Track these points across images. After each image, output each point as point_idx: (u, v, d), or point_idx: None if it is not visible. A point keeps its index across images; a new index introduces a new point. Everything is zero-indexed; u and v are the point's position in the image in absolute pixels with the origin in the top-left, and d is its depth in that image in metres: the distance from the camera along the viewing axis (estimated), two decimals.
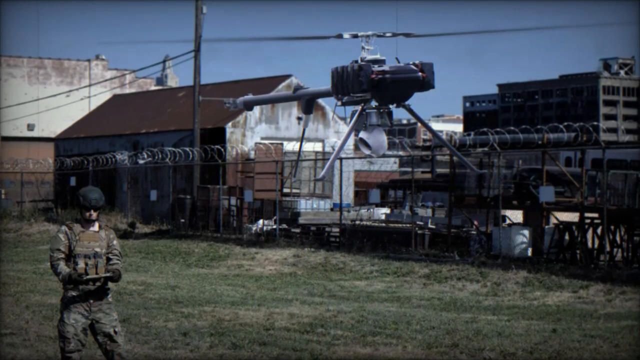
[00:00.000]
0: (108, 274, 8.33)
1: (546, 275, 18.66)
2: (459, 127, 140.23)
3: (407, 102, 17.52)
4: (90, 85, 52.51)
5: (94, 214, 8.36)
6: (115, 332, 8.40)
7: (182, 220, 31.82)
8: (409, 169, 35.19)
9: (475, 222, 24.18)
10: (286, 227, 28.68)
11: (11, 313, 14.28)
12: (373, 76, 16.57)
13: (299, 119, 35.00)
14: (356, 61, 17.18)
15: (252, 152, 34.78)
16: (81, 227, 8.36)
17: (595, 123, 22.20)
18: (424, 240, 23.79)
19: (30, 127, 53.18)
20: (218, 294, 17.66)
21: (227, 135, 35.67)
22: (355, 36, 17.47)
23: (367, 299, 17.30)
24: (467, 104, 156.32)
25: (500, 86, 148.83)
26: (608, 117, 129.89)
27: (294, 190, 34.24)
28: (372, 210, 30.80)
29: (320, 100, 31.54)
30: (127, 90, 54.53)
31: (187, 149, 32.39)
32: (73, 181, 38.67)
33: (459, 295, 18.10)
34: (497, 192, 22.33)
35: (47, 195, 44.54)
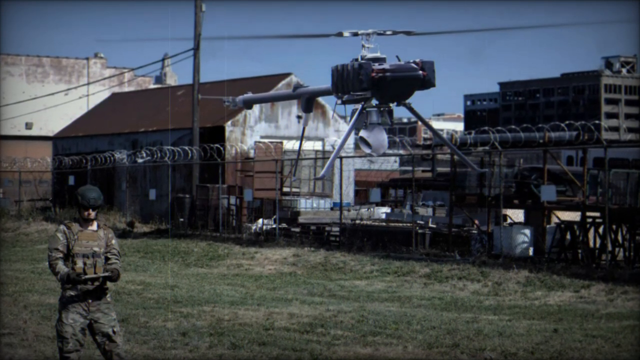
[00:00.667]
0: (107, 274, 8.29)
1: (547, 275, 18.61)
2: (459, 126, 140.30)
3: (407, 101, 17.44)
4: (88, 84, 52.45)
5: (93, 213, 8.33)
6: (114, 332, 8.36)
7: (181, 220, 31.75)
8: (410, 168, 35.12)
9: (476, 222, 24.11)
10: (286, 226, 28.62)
11: (9, 313, 14.23)
12: (373, 74, 16.49)
13: (299, 117, 34.97)
14: (356, 59, 17.10)
15: (252, 151, 34.71)
16: (80, 226, 8.33)
17: (597, 122, 22.17)
18: (424, 240, 23.73)
19: (29, 126, 53.13)
20: (217, 293, 17.60)
21: (227, 134, 35.60)
22: (356, 34, 17.39)
23: (368, 299, 17.25)
24: (468, 103, 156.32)
25: (502, 84, 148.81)
26: (610, 115, 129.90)
27: (294, 190, 34.16)
28: (372, 209, 30.73)
29: (321, 99, 31.47)
30: (126, 88, 54.48)
31: (187, 147, 32.31)
32: (71, 180, 38.60)
33: (460, 295, 18.05)
34: (498, 191, 22.28)
35: (45, 195, 44.48)
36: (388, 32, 17.33)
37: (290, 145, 32.65)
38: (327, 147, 35.63)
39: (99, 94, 51.43)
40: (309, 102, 19.59)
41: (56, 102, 49.04)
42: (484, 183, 23.08)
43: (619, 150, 25.94)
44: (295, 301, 16.62)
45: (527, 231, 21.85)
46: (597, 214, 21.06)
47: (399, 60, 16.92)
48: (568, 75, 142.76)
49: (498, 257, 20.84)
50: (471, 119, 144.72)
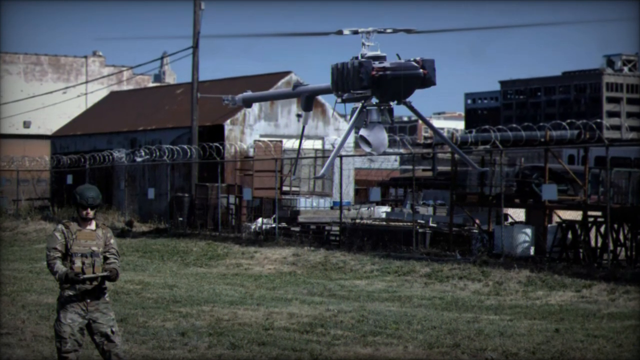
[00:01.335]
0: (105, 273, 8.24)
1: (549, 275, 18.55)
2: (460, 125, 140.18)
3: (408, 99, 17.37)
4: (87, 82, 52.36)
5: (91, 213, 8.28)
6: (113, 332, 8.32)
7: (180, 219, 31.67)
8: (410, 167, 35.07)
9: (477, 221, 24.03)
10: (286, 225, 28.54)
11: (7, 312, 14.15)
12: (374, 73, 16.43)
13: (299, 116, 34.89)
14: (356, 58, 17.03)
15: (251, 150, 34.63)
16: (78, 225, 8.28)
17: (598, 120, 22.05)
18: (425, 239, 23.66)
19: (27, 125, 53.03)
20: (216, 293, 17.53)
21: (226, 132, 35.52)
22: (356, 32, 17.31)
23: (368, 299, 17.19)
24: (469, 101, 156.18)
25: (503, 83, 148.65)
26: (611, 114, 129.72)
27: (294, 189, 34.09)
28: (372, 208, 30.64)
29: (320, 97, 31.39)
30: (125, 87, 54.39)
31: (185, 146, 32.22)
32: (70, 179, 38.53)
33: (461, 294, 17.98)
34: (499, 190, 22.21)
35: (43, 194, 44.39)
36: (388, 30, 17.26)
37: (289, 144, 32.55)
38: (327, 146, 35.56)
39: (98, 93, 51.36)
40: (308, 100, 19.53)
41: (54, 101, 48.93)
42: (485, 182, 23.00)
43: (620, 149, 25.86)
44: (295, 301, 16.55)
45: (528, 230, 21.78)
46: (599, 213, 20.99)
47: (399, 59, 16.85)
48: (569, 73, 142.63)
49: (499, 257, 20.76)
50: (472, 117, 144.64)
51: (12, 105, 48.87)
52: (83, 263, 8.16)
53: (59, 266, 8.14)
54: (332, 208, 31.72)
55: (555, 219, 22.32)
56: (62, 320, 8.20)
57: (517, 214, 25.00)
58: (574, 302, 16.59)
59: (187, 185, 34.06)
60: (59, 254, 8.17)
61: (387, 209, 31.49)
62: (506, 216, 23.61)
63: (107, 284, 8.37)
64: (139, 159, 35.91)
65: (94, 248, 8.23)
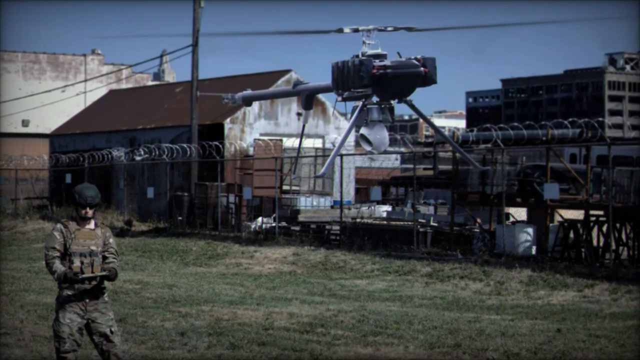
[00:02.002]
0: (104, 273, 8.20)
1: (550, 274, 18.49)
2: (461, 123, 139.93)
3: (409, 98, 17.28)
4: (86, 81, 52.28)
5: (90, 212, 8.25)
6: (112, 332, 8.28)
7: (180, 218, 31.59)
8: (411, 166, 34.99)
9: (478, 220, 23.95)
10: (286, 225, 28.45)
11: (5, 312, 14.09)
12: (374, 71, 16.34)
13: (299, 114, 34.82)
14: (357, 56, 16.94)
15: (251, 149, 34.55)
16: (77, 225, 8.24)
17: (600, 119, 22.01)
18: (426, 239, 23.59)
19: (25, 123, 52.96)
20: (216, 293, 17.46)
21: (226, 131, 35.43)
22: (356, 30, 17.23)
23: (368, 298, 17.13)
24: (470, 100, 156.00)
25: (504, 81, 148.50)
26: (613, 112, 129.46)
27: (294, 188, 34.00)
28: (373, 207, 30.57)
29: (321, 96, 31.30)
30: (124, 85, 54.30)
31: (185, 145, 32.13)
32: (69, 178, 38.45)
33: (462, 294, 17.91)
34: (501, 190, 22.15)
35: (42, 193, 44.33)
36: (389, 29, 17.18)
37: (290, 142, 32.46)
38: (327, 145, 35.47)
39: (97, 91, 51.27)
40: (309, 99, 19.43)
41: (53, 99, 48.84)
42: (486, 181, 22.93)
43: (622, 148, 25.78)
44: (295, 301, 16.49)
45: (530, 230, 21.70)
46: (601, 212, 20.91)
47: (400, 57, 16.76)
48: (571, 72, 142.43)
49: (500, 256, 20.68)
50: (473, 116, 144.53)
51: (11, 103, 48.79)
52: (82, 262, 8.12)
53: (58, 266, 8.10)
54: (332, 207, 31.62)
55: (557, 218, 22.24)
56: (61, 320, 8.16)
57: (519, 213, 24.93)
58: (575, 302, 16.53)
59: (186, 184, 33.97)
60: (58, 254, 8.13)
61: (388, 208, 31.42)
62: (508, 215, 23.54)
63: (106, 283, 8.33)
64: (138, 158, 35.83)
65: (93, 247, 8.19)
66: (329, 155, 22.35)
